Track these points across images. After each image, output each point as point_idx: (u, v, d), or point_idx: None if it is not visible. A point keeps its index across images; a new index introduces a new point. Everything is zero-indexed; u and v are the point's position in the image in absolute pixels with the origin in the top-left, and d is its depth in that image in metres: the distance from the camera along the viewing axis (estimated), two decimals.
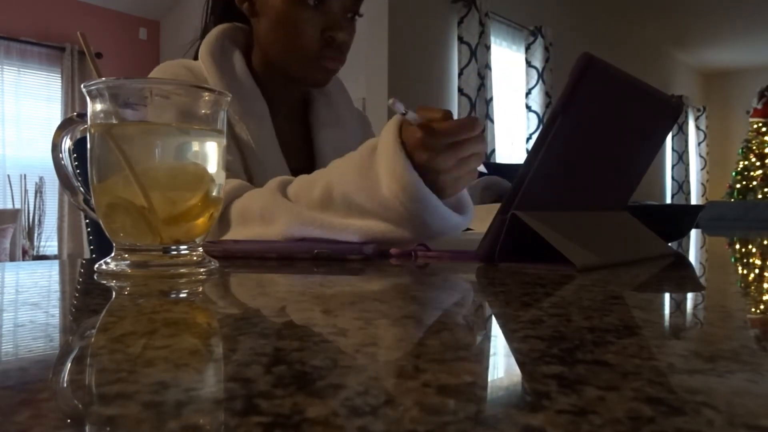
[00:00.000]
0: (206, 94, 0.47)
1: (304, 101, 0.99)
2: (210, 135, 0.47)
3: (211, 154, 0.48)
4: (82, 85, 0.46)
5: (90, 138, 0.46)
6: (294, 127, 0.97)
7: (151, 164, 0.45)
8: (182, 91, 0.48)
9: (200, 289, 0.38)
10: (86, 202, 0.51)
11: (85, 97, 0.46)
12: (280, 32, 0.84)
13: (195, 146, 0.48)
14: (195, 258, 0.46)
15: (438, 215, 0.57)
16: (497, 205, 0.52)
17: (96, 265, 0.45)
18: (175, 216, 0.46)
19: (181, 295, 0.35)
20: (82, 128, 0.49)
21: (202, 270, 0.45)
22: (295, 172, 0.87)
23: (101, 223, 0.47)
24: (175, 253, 0.46)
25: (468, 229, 0.78)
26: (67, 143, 0.50)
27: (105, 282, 0.41)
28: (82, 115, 0.48)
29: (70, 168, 0.50)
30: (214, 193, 0.48)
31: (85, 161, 0.47)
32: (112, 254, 0.45)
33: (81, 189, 0.51)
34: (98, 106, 0.45)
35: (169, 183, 0.46)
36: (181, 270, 0.44)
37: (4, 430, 0.14)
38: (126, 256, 0.45)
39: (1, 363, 0.21)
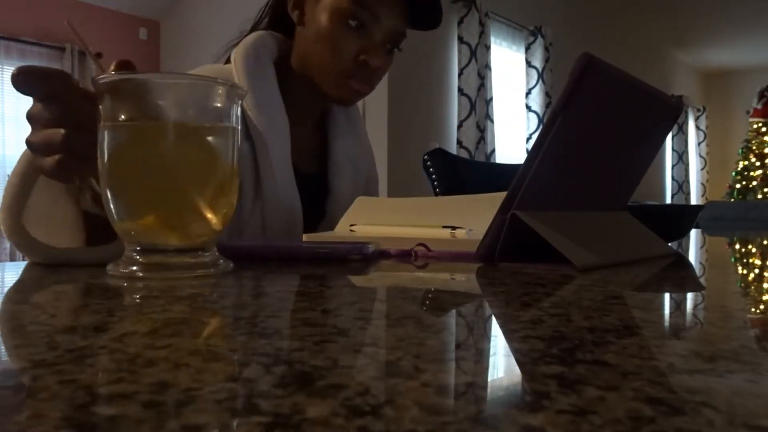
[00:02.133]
0: (219, 88, 0.45)
1: (326, 109, 1.01)
2: (224, 131, 0.46)
3: (227, 151, 0.46)
4: (90, 79, 0.44)
5: (101, 136, 0.44)
6: (311, 134, 0.99)
7: (169, 163, 0.44)
8: (193, 85, 0.46)
9: (225, 296, 0.37)
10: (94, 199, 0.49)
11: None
12: (319, 46, 0.86)
13: (211, 143, 0.46)
14: (207, 259, 0.45)
15: None
16: (501, 196, 0.52)
17: (108, 267, 0.44)
18: (193, 216, 0.44)
19: (188, 296, 0.35)
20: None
21: (213, 271, 0.44)
22: (308, 178, 0.90)
23: (113, 222, 0.45)
24: (190, 254, 0.44)
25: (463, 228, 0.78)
26: None
27: (113, 283, 0.41)
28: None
29: None
30: (227, 192, 0.47)
31: None
32: (122, 256, 0.44)
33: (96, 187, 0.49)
34: (108, 102, 0.44)
35: (184, 182, 0.45)
36: (198, 272, 0.43)
37: (4, 430, 0.14)
38: (138, 258, 0.44)
39: (1, 363, 0.21)
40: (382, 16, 0.85)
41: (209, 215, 0.45)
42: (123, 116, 0.44)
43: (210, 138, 0.46)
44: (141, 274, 0.42)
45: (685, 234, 0.80)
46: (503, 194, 0.52)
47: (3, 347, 0.23)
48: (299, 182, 0.88)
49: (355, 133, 1.02)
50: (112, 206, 0.45)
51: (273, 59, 0.92)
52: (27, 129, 0.49)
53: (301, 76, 0.91)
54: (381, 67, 0.89)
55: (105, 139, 0.44)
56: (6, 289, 0.41)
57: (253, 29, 0.96)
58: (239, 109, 0.48)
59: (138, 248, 0.44)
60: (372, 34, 0.86)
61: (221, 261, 0.46)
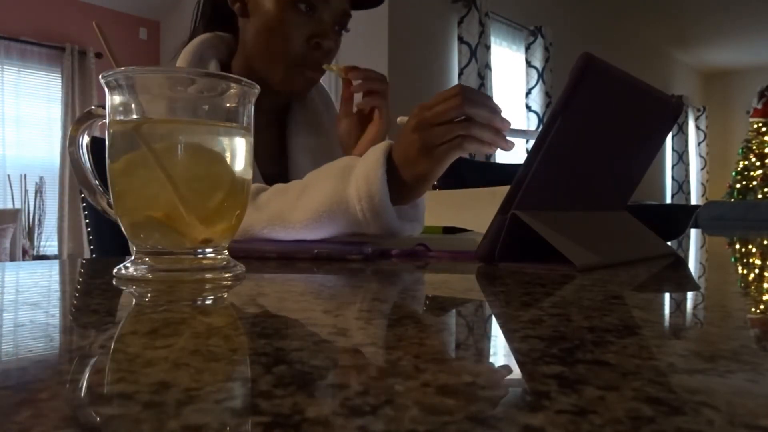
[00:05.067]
0: (233, 85, 0.45)
1: (283, 106, 0.99)
2: (239, 131, 0.45)
3: (240, 150, 0.46)
4: (100, 76, 0.44)
5: (111, 135, 0.44)
6: (270, 133, 0.97)
7: (181, 163, 0.43)
8: (208, 83, 0.45)
9: (225, 295, 0.36)
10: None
11: (86, 97, 0.45)
12: (268, 35, 0.85)
13: (225, 143, 0.45)
14: (221, 262, 0.44)
15: (388, 227, 0.61)
16: (499, 190, 0.52)
17: (115, 270, 0.43)
18: (205, 217, 0.44)
19: (188, 296, 0.35)
20: (100, 123, 0.46)
21: (227, 275, 0.42)
22: (269, 177, 0.88)
23: (121, 224, 0.45)
24: (201, 256, 0.43)
25: (467, 230, 0.79)
26: (85, 139, 0.48)
27: (117, 284, 0.41)
28: (103, 107, 0.45)
29: (88, 165, 0.48)
30: (242, 193, 0.46)
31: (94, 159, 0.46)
32: (132, 257, 0.43)
33: (100, 188, 0.48)
34: (117, 99, 0.43)
35: (200, 183, 0.44)
36: (207, 275, 0.42)
37: (4, 430, 0.14)
38: (147, 259, 0.43)
39: (1, 363, 0.21)
40: None
41: (221, 216, 0.45)
42: (133, 115, 0.43)
43: (222, 138, 0.45)
44: (150, 276, 0.41)
45: (681, 234, 0.80)
46: (502, 188, 0.52)
47: (3, 347, 0.23)
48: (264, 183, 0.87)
49: (315, 128, 0.99)
50: (120, 207, 0.45)
51: (220, 59, 0.90)
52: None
53: (251, 71, 0.89)
54: (333, 50, 0.87)
55: (114, 139, 0.44)
56: (6, 290, 0.41)
57: (191, 37, 0.94)
58: (252, 107, 0.47)
59: (147, 249, 0.44)
60: (321, 16, 0.85)
61: (233, 263, 0.45)
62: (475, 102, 0.59)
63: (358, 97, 0.88)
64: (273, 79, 0.88)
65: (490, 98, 0.61)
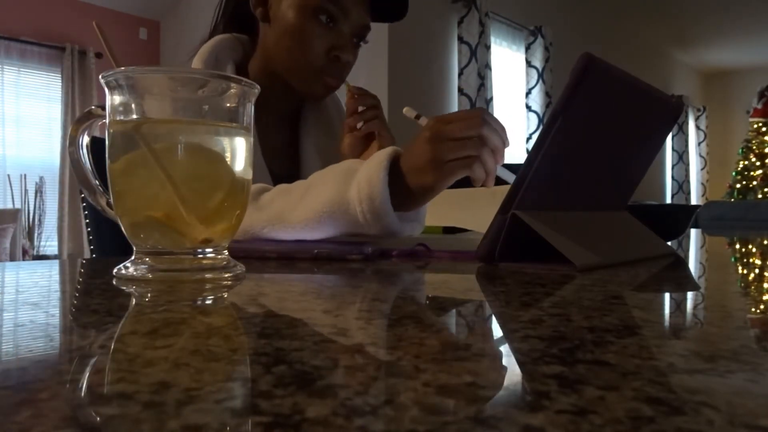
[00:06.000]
0: (234, 85, 0.44)
1: (296, 108, 1.00)
2: (239, 131, 0.45)
3: (240, 150, 0.46)
4: (100, 76, 0.44)
5: (111, 135, 0.44)
6: (282, 133, 0.98)
7: (181, 163, 0.43)
8: (209, 82, 0.45)
9: (225, 295, 0.36)
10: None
11: (86, 97, 0.45)
12: (288, 42, 0.86)
13: (225, 143, 0.45)
14: (221, 262, 0.44)
15: (388, 229, 0.61)
16: (499, 189, 0.52)
17: (115, 270, 0.43)
18: (205, 217, 0.43)
19: (188, 296, 0.35)
20: (101, 123, 0.46)
21: (227, 275, 0.42)
22: (279, 177, 0.89)
23: (121, 224, 0.44)
24: (201, 256, 0.43)
25: (467, 230, 0.79)
26: (85, 139, 0.48)
27: (117, 284, 0.41)
28: (103, 107, 0.45)
29: (88, 165, 0.48)
30: (242, 193, 0.46)
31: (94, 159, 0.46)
32: (132, 257, 0.43)
33: (100, 188, 0.48)
34: (117, 99, 0.43)
35: (200, 183, 0.44)
36: (207, 275, 0.42)
37: (4, 430, 0.14)
38: (147, 259, 0.43)
39: (1, 363, 0.21)
40: (351, 10, 0.85)
41: (221, 216, 0.45)
42: (133, 115, 0.43)
43: (222, 138, 0.45)
44: (150, 276, 0.41)
45: (681, 234, 0.80)
46: (502, 188, 0.52)
47: (3, 347, 0.23)
48: (272, 183, 0.87)
49: (326, 129, 1.00)
50: (120, 207, 0.44)
51: (236, 60, 0.91)
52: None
53: (268, 74, 0.90)
54: (351, 62, 0.89)
55: (114, 139, 0.44)
56: (6, 290, 0.41)
57: (211, 35, 0.95)
58: (252, 107, 0.47)
59: (147, 249, 0.43)
60: (341, 28, 0.85)
61: (233, 263, 0.45)
62: (491, 126, 0.60)
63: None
64: (293, 84, 0.89)
65: (505, 131, 0.62)
